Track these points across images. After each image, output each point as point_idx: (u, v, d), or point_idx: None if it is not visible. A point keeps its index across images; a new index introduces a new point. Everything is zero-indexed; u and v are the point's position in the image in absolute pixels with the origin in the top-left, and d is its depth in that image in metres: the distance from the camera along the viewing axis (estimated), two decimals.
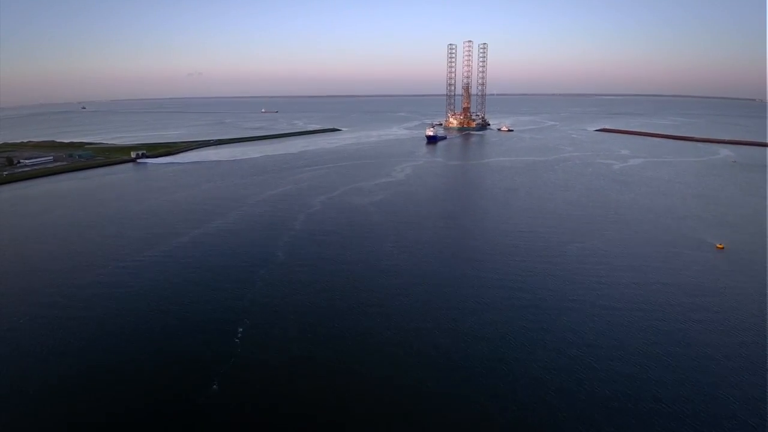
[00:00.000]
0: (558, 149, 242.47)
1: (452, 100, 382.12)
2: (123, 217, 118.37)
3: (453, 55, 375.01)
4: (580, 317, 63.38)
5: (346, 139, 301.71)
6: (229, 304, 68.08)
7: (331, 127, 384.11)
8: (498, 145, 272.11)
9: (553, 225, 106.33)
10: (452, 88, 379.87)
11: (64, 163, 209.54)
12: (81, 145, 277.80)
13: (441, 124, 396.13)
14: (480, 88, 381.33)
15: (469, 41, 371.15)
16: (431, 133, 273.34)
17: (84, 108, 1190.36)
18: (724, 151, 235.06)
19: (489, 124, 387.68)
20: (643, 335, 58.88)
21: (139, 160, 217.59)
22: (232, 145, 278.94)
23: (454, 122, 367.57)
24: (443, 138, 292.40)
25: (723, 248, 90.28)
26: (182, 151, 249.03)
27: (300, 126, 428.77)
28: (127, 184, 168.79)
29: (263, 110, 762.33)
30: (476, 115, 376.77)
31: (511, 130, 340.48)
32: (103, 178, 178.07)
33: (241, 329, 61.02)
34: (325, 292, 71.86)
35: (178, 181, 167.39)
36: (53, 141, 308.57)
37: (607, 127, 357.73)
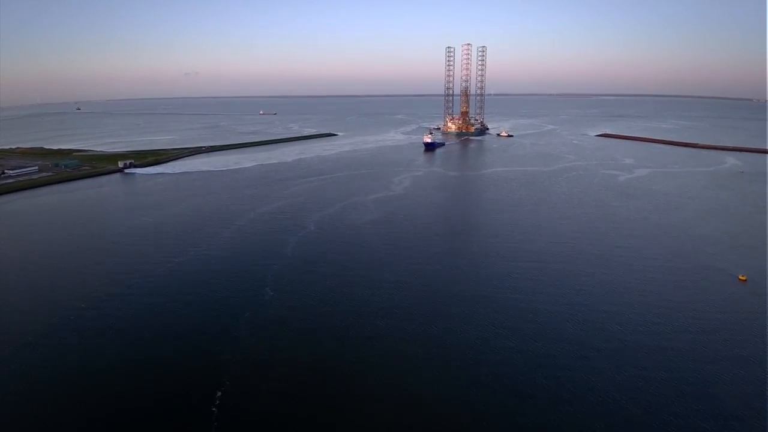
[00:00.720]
0: (560, 157, 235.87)
1: (450, 104, 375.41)
2: (104, 240, 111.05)
3: (451, 59, 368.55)
4: (598, 371, 56.39)
5: (342, 145, 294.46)
6: (207, 360, 60.90)
7: (328, 132, 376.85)
8: (498, 152, 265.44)
9: (562, 250, 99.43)
10: (450, 91, 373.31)
11: (50, 173, 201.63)
12: (69, 152, 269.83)
13: (439, 129, 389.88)
14: (479, 91, 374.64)
15: (468, 44, 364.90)
16: (429, 140, 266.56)
17: (79, 109, 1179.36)
18: (730, 160, 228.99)
19: (488, 129, 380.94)
20: (670, 400, 51.96)
21: (126, 170, 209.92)
22: (224, 152, 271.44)
23: (453, 127, 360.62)
24: (441, 144, 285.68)
25: (746, 281, 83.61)
26: (172, 159, 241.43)
27: (296, 130, 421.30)
28: (112, 199, 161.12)
29: (261, 112, 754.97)
30: (475, 120, 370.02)
31: (511, 136, 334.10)
32: (88, 192, 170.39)
33: (219, 393, 53.84)
34: (315, 342, 64.65)
35: (164, 196, 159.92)
36: (42, 147, 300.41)
37: (609, 132, 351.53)
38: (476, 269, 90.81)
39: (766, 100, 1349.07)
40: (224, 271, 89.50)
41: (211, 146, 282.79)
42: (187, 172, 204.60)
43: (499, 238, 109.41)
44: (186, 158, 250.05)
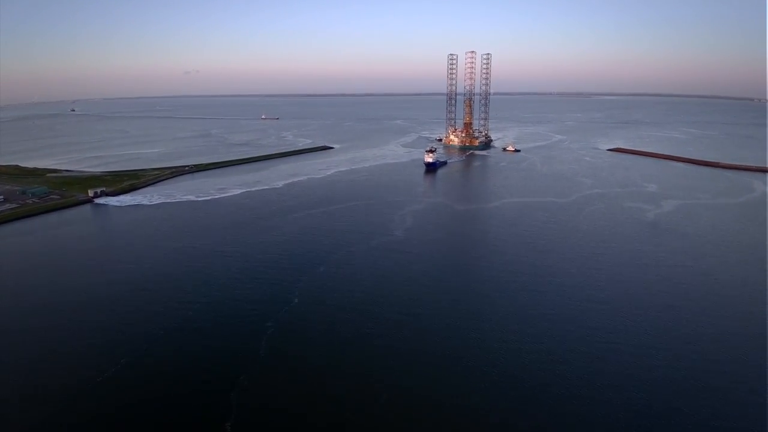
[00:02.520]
0: (575, 182, 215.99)
1: (453, 116, 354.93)
2: (51, 310, 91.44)
3: (453, 67, 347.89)
4: None
5: (337, 163, 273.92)
6: None
7: (323, 145, 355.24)
8: (506, 173, 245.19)
9: (602, 325, 79.76)
10: (453, 102, 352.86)
11: (14, 205, 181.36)
12: (43, 173, 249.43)
13: (441, 140, 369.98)
14: (483, 101, 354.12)
15: (472, 52, 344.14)
16: (430, 160, 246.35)
17: (74, 110, 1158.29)
18: (758, 185, 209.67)
19: (492, 140, 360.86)
20: None
21: (96, 200, 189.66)
22: (210, 172, 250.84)
23: (455, 140, 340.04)
24: (444, 163, 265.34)
25: None
26: (150, 183, 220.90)
27: (290, 141, 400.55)
28: (73, 244, 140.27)
29: (263, 116, 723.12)
30: (479, 132, 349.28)
31: (518, 150, 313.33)
32: (50, 233, 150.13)
33: None
34: None
35: (132, 239, 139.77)
36: (17, 166, 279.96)
37: (621, 146, 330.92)
38: (498, 347, 70.92)
39: (767, 100, 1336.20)
40: (187, 363, 69.62)
41: (196, 165, 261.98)
42: (164, 203, 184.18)
43: (519, 303, 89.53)
44: (167, 180, 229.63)
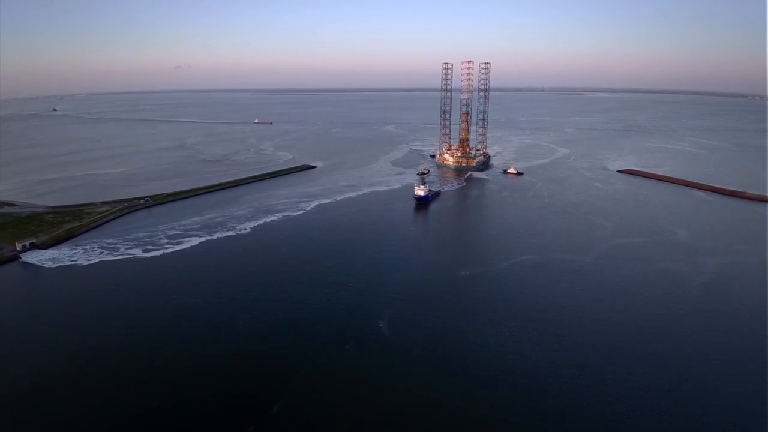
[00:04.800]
0: (592, 227, 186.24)
1: (448, 130, 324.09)
2: None
3: (448, 77, 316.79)
4: None
5: (318, 192, 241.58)
6: None
7: (304, 164, 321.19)
8: (511, 212, 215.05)
9: None
10: (448, 115, 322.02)
11: None
12: None
13: (434, 156, 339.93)
14: (481, 115, 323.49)
15: (469, 62, 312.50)
16: (422, 193, 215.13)
17: (55, 110, 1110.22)
18: None
19: (490, 157, 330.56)
20: None
21: (24, 256, 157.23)
22: (168, 206, 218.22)
23: (450, 160, 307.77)
24: (437, 194, 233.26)
25: None
26: (95, 225, 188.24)
27: (269, 155, 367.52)
28: None
29: (256, 121, 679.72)
30: (476, 151, 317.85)
31: (521, 174, 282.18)
32: None
33: None
34: None
35: (52, 329, 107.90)
36: None
37: (632, 167, 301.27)
38: None
39: (765, 97, 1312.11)
40: None
41: (154, 196, 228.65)
42: (104, 261, 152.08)
43: None
44: (115, 221, 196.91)
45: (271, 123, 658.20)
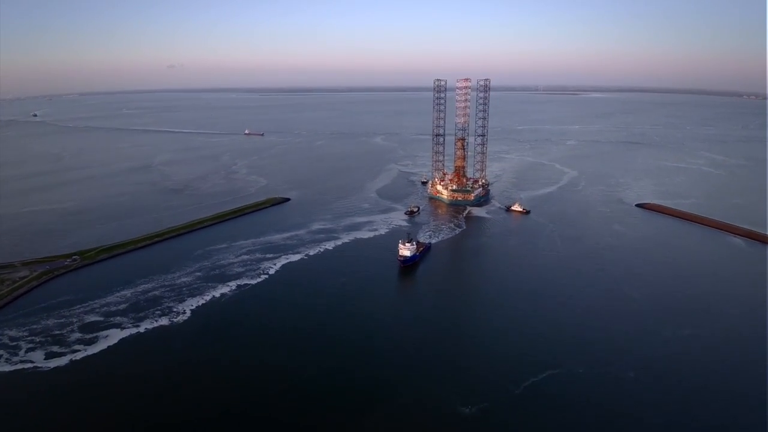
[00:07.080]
0: (624, 303, 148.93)
1: (441, 157, 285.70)
2: None
3: (442, 97, 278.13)
4: None
5: (286, 242, 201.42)
6: None
7: (276, 196, 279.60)
8: (520, 284, 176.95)
9: None
10: (441, 140, 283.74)
11: None
12: None
13: (425, 183, 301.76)
14: (479, 139, 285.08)
15: (467, 80, 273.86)
16: (407, 254, 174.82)
17: (35, 115, 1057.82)
18: None
19: (490, 185, 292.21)
20: None
21: None
22: (98, 267, 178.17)
23: (444, 193, 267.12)
24: (427, 250, 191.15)
25: None
26: (4, 303, 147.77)
27: (240, 181, 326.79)
28: None
29: (247, 131, 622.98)
30: (474, 183, 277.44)
31: (528, 212, 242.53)
32: None
33: None
34: None
35: None
36: None
37: (653, 202, 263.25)
38: None
39: (764, 96, 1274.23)
40: None
41: (85, 252, 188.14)
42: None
43: None
44: (32, 292, 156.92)
45: (263, 134, 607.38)
